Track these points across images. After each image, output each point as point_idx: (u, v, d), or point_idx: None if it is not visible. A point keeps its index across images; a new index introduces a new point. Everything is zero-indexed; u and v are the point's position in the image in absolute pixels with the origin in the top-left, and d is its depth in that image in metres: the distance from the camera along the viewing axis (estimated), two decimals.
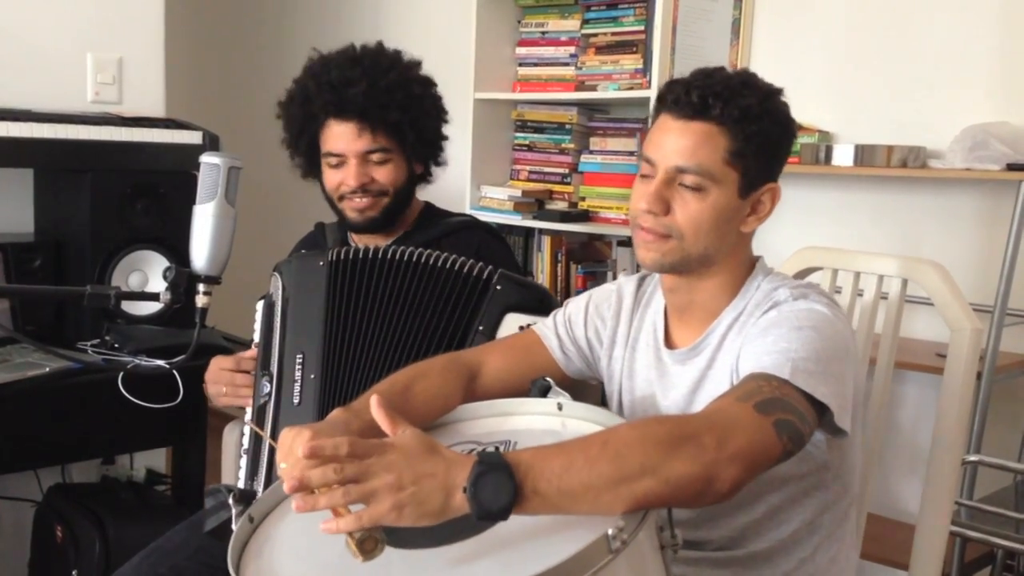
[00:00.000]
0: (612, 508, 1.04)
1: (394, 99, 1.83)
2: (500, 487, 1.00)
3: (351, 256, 1.73)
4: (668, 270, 1.38)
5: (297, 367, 1.67)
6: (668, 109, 1.34)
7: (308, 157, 1.92)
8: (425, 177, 1.98)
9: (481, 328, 1.66)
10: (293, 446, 1.16)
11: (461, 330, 1.67)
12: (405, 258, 1.72)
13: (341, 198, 1.87)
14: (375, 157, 1.85)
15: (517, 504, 1.01)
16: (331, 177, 1.88)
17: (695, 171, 1.30)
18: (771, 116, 1.32)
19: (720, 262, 1.37)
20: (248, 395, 1.76)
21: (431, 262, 1.71)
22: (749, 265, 1.42)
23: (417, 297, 1.69)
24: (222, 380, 1.80)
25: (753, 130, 1.30)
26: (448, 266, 1.71)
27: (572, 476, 1.03)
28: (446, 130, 1.98)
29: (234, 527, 1.18)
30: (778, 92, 1.36)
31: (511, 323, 1.67)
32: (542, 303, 1.71)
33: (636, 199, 1.36)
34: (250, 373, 1.77)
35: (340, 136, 1.84)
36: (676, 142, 1.32)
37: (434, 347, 1.65)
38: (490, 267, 1.71)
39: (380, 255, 1.73)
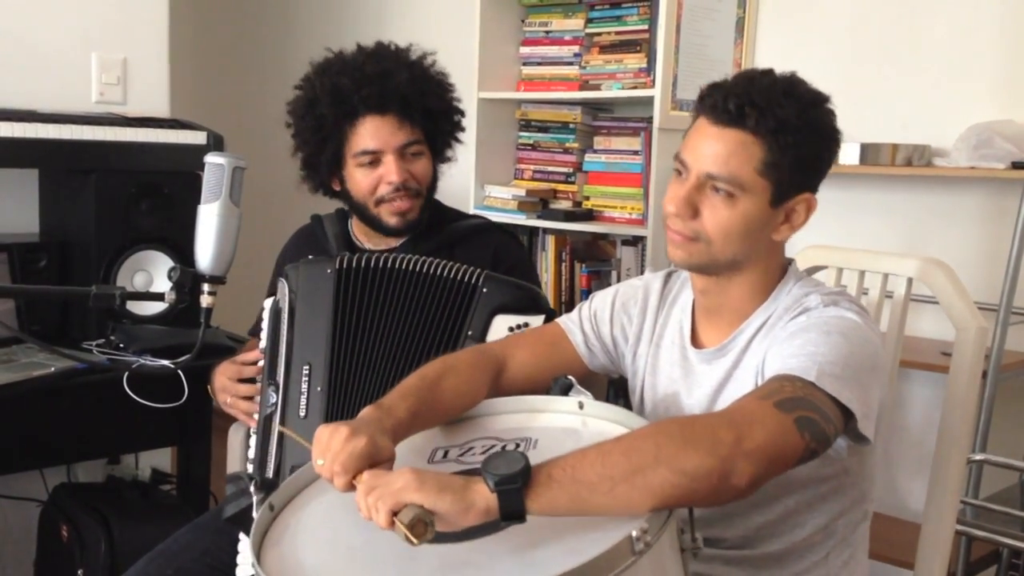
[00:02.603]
0: (631, 501, 1.05)
1: (431, 86, 1.82)
2: (513, 460, 1.04)
3: (360, 264, 1.70)
4: (696, 270, 1.38)
5: (303, 379, 1.66)
6: (706, 113, 1.32)
7: (330, 163, 1.83)
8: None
9: (471, 333, 1.65)
10: (331, 442, 1.17)
11: (453, 337, 1.66)
12: (412, 267, 1.70)
13: (379, 202, 1.81)
14: (412, 150, 1.81)
15: (532, 487, 1.04)
16: (364, 179, 1.80)
17: (726, 180, 1.29)
18: (810, 128, 1.30)
19: (751, 267, 1.37)
20: (250, 407, 1.78)
21: (430, 270, 1.69)
22: (781, 268, 1.41)
23: (417, 306, 1.68)
24: (228, 391, 1.82)
25: (788, 142, 1.27)
26: (441, 272, 1.69)
27: (586, 467, 1.05)
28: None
29: (255, 515, 1.19)
30: (823, 101, 1.34)
31: (500, 325, 1.65)
32: (533, 303, 1.70)
33: (667, 200, 1.35)
34: (255, 381, 1.78)
35: (378, 130, 1.77)
36: (710, 148, 1.30)
37: (430, 356, 1.62)
38: (476, 270, 1.69)
39: (389, 264, 1.70)
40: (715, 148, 1.29)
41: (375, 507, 1.06)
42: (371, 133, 1.78)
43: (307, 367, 1.67)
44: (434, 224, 1.91)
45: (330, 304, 1.68)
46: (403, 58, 1.83)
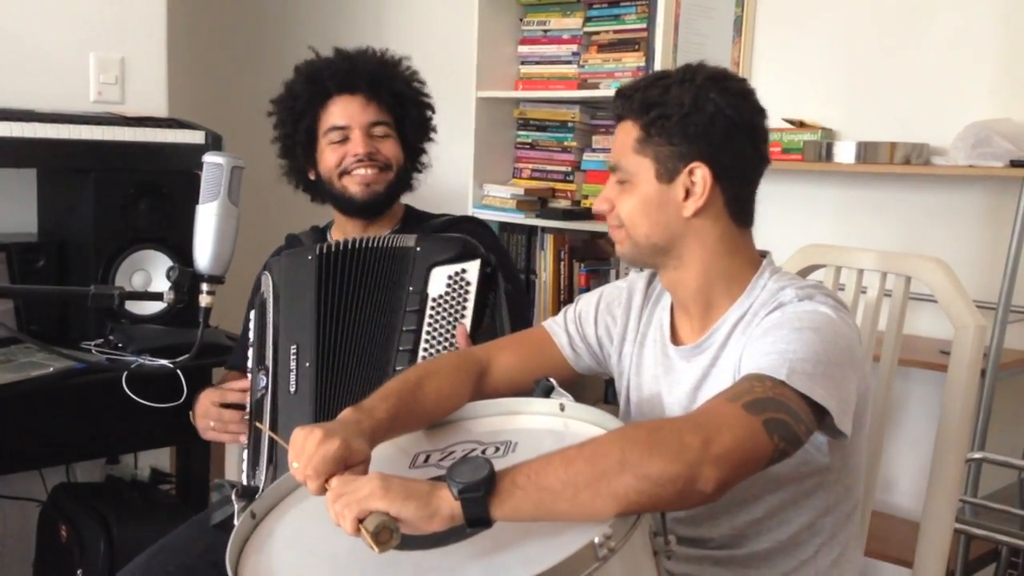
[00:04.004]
0: (595, 507, 1.05)
1: (399, 73, 1.95)
2: (477, 467, 1.05)
3: (337, 249, 1.78)
4: (632, 260, 1.44)
5: (292, 357, 1.71)
6: None
7: (304, 145, 1.94)
8: (409, 181, 2.01)
9: (412, 289, 1.74)
10: (305, 445, 1.17)
11: (397, 297, 1.74)
12: (371, 245, 1.79)
13: (343, 173, 1.90)
14: (378, 131, 1.90)
15: (496, 494, 1.04)
16: (332, 154, 1.90)
17: (616, 167, 1.40)
18: (674, 99, 1.33)
19: (686, 252, 1.38)
20: (237, 432, 1.83)
21: (380, 244, 1.79)
22: (752, 262, 1.41)
23: (376, 278, 1.77)
24: (211, 415, 1.84)
25: (653, 116, 1.34)
26: (386, 245, 1.79)
27: (550, 473, 1.06)
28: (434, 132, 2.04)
29: (236, 523, 1.19)
30: (703, 77, 1.35)
31: (438, 276, 1.74)
32: (465, 250, 1.77)
33: None
34: (239, 408, 1.82)
35: (347, 107, 1.89)
36: (612, 144, 1.43)
37: (391, 321, 1.73)
38: (412, 235, 1.80)
39: (359, 244, 1.79)
40: (613, 143, 1.42)
41: (342, 514, 1.06)
42: (340, 110, 1.89)
43: (295, 347, 1.72)
44: (409, 222, 2.00)
45: (313, 286, 1.75)
46: (372, 50, 1.97)
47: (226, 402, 1.84)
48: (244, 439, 1.81)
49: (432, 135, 2.03)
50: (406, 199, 2.06)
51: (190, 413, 1.91)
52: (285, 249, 2.03)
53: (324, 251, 1.77)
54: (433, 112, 2.02)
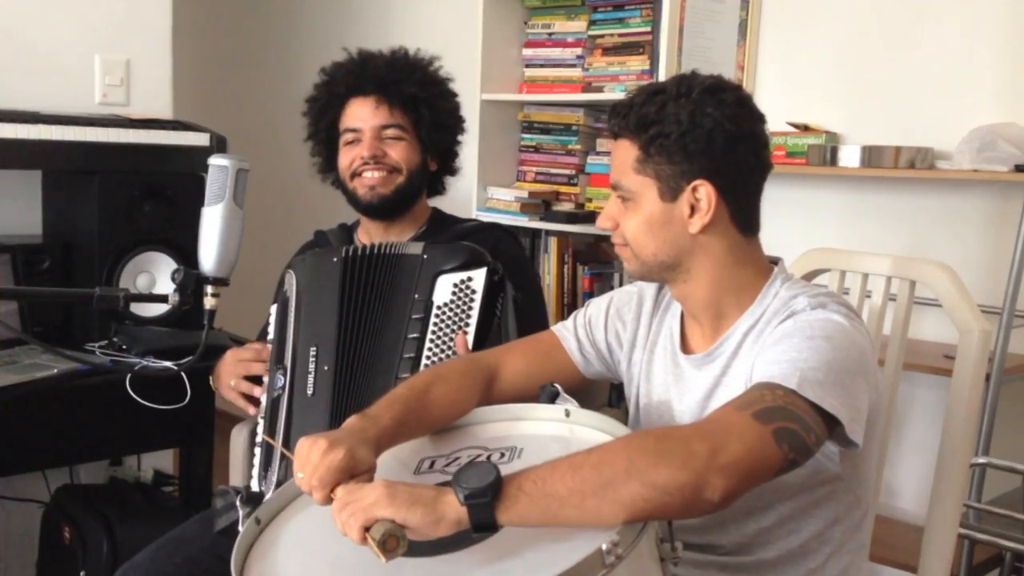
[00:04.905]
0: (601, 514, 1.05)
1: (413, 76, 1.93)
2: (484, 472, 1.05)
3: (365, 252, 1.79)
4: (641, 277, 1.43)
5: (311, 359, 1.72)
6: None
7: (327, 144, 1.97)
8: (437, 187, 2.03)
9: (417, 296, 1.75)
10: (309, 455, 1.17)
11: (403, 304, 1.75)
12: (388, 252, 1.80)
13: (354, 175, 1.92)
14: (389, 133, 1.91)
15: (502, 499, 1.04)
16: (345, 155, 1.93)
17: (616, 186, 1.38)
18: (671, 117, 1.31)
19: (694, 266, 1.36)
20: (248, 401, 1.83)
21: (394, 251, 1.80)
22: (763, 270, 1.40)
23: (391, 285, 1.78)
24: (238, 371, 1.84)
25: (652, 134, 1.32)
26: (398, 251, 1.80)
27: (556, 479, 1.06)
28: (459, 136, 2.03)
29: (241, 528, 1.19)
30: (698, 91, 1.32)
31: (444, 284, 1.75)
32: (472, 259, 1.77)
33: None
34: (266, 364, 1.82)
35: (358, 111, 1.91)
36: (611, 162, 1.40)
37: (398, 328, 1.73)
38: (421, 243, 1.81)
39: (379, 251, 1.79)
40: (612, 161, 1.39)
41: (347, 523, 1.06)
42: (353, 113, 1.92)
43: (314, 348, 1.73)
44: (434, 226, 2.00)
45: (336, 290, 1.77)
46: (390, 51, 1.97)
47: (259, 359, 1.84)
48: (253, 410, 1.82)
49: (460, 134, 2.03)
50: (435, 203, 2.06)
51: (210, 379, 1.93)
52: (312, 245, 2.05)
53: (349, 254, 1.80)
54: (456, 110, 2.01)
